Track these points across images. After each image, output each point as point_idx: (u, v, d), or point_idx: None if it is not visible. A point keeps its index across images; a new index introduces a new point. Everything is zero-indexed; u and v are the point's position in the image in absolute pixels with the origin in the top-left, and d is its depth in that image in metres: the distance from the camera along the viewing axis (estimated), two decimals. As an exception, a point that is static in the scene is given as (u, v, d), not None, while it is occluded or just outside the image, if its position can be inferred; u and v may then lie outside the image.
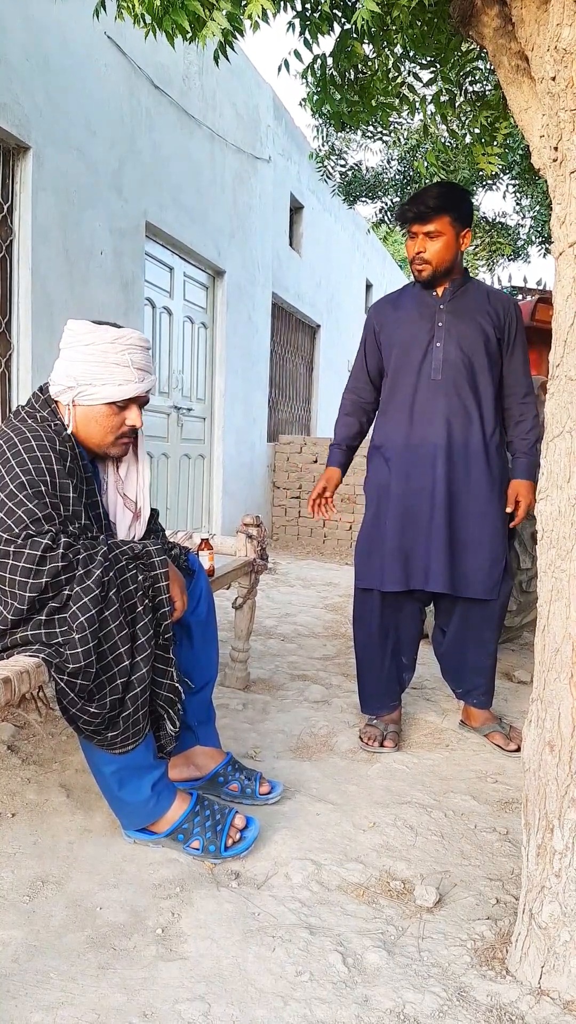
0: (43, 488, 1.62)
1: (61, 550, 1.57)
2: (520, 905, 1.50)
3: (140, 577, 1.69)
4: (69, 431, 1.80)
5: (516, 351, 2.52)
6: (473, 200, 6.81)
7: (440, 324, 2.47)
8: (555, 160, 1.43)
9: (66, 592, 1.57)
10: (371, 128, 4.57)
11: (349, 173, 6.84)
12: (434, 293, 2.50)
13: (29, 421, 1.77)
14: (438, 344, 2.46)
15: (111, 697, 1.61)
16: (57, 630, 1.56)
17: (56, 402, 1.83)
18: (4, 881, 1.70)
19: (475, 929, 1.62)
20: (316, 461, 7.43)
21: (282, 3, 2.01)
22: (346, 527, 7.24)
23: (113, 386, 1.80)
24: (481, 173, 5.69)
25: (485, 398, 2.47)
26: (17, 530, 1.57)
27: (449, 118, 2.81)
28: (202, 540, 2.63)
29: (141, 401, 1.88)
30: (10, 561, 1.55)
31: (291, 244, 8.56)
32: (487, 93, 2.79)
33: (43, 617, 1.56)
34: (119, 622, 1.62)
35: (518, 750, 2.50)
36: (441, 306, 2.48)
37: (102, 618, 1.58)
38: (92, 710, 1.59)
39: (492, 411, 2.49)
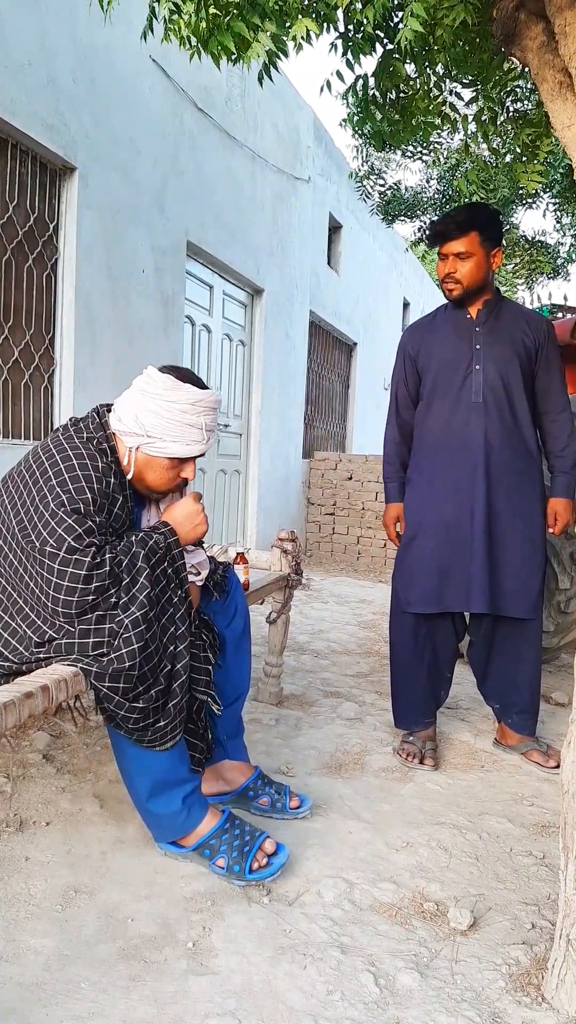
0: (81, 506, 1.65)
1: (108, 567, 1.60)
2: (557, 931, 1.47)
3: (170, 570, 1.73)
4: (129, 476, 1.83)
5: (550, 370, 2.52)
6: (513, 219, 6.81)
7: (478, 347, 2.47)
8: (599, 176, 1.42)
9: (112, 600, 1.60)
10: (411, 147, 4.60)
11: (388, 192, 6.87)
12: (468, 315, 2.51)
13: (76, 438, 1.78)
14: (477, 367, 2.46)
15: (156, 688, 1.65)
16: (104, 639, 1.59)
17: (114, 433, 1.84)
18: (37, 889, 1.71)
19: (510, 954, 1.58)
20: (351, 478, 7.41)
21: (325, 24, 2.03)
22: (380, 544, 7.21)
23: (182, 445, 1.82)
24: (521, 191, 5.68)
25: (523, 418, 2.48)
26: (60, 545, 1.59)
27: (491, 136, 2.81)
28: (237, 554, 2.63)
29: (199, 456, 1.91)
30: (55, 579, 1.58)
31: (329, 263, 8.61)
32: (529, 111, 2.78)
33: (90, 627, 1.59)
34: (160, 616, 1.66)
35: (557, 767, 2.47)
36: (477, 328, 2.48)
37: (148, 618, 1.62)
38: (140, 705, 1.62)
39: (531, 430, 2.51)
